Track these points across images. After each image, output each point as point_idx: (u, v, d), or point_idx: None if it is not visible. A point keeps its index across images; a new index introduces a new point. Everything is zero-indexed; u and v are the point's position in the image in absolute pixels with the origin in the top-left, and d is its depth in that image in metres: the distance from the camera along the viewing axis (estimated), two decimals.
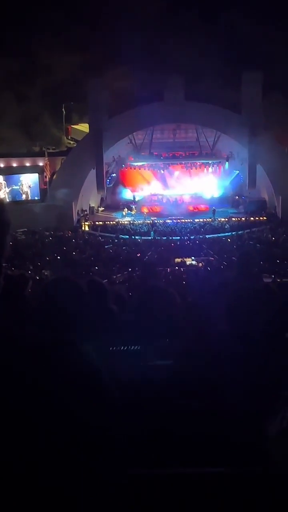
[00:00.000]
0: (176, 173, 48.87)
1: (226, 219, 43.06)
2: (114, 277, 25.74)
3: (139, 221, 43.41)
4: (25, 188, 44.22)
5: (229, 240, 38.26)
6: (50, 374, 1.55)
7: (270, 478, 1.63)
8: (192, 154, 48.41)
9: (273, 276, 24.10)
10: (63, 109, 49.82)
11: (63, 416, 1.52)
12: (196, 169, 48.51)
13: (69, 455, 1.52)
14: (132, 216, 44.94)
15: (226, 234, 40.05)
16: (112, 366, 3.08)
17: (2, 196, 42.51)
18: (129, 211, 45.50)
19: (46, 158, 44.34)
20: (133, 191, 48.18)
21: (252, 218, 43.06)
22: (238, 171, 47.11)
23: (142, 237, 39.34)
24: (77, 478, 1.54)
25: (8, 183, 44.06)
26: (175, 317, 4.37)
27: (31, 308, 3.39)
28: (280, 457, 1.93)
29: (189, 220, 43.40)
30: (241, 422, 2.38)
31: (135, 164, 48.18)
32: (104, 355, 3.31)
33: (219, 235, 39.79)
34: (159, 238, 38.48)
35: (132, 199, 47.76)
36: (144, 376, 2.98)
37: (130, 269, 29.53)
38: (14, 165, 45.40)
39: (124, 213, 45.33)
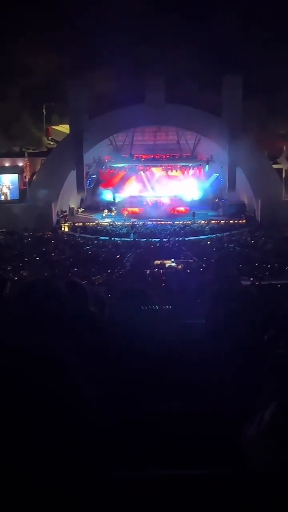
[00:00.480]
0: (157, 175, 48.92)
1: (206, 222, 43.21)
2: (94, 278, 25.70)
3: (119, 223, 43.38)
4: (5, 189, 43.93)
5: (208, 242, 38.38)
6: (27, 376, 1.55)
7: (247, 478, 1.65)
8: (172, 157, 48.52)
9: (251, 279, 24.28)
10: (43, 110, 49.63)
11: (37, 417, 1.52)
12: (176, 171, 48.63)
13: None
14: (112, 217, 44.89)
15: (206, 236, 40.17)
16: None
17: None
18: (109, 213, 45.45)
19: (26, 159, 44.15)
20: (113, 192, 48.16)
21: (231, 221, 43.25)
22: (217, 174, 47.26)
23: (122, 239, 39.32)
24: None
25: None
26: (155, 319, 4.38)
27: (8, 309, 3.37)
28: (257, 458, 1.95)
29: (169, 222, 43.47)
30: (220, 423, 2.39)
31: (115, 165, 48.16)
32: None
33: (198, 237, 39.91)
34: (139, 239, 38.48)
35: (112, 200, 47.73)
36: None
37: (109, 271, 29.53)
38: None
39: (104, 214, 45.27)
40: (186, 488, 1.60)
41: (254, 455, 1.98)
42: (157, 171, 48.75)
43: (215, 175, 47.67)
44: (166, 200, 48.20)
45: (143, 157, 48.13)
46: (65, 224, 43.12)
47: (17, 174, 44.07)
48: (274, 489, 1.63)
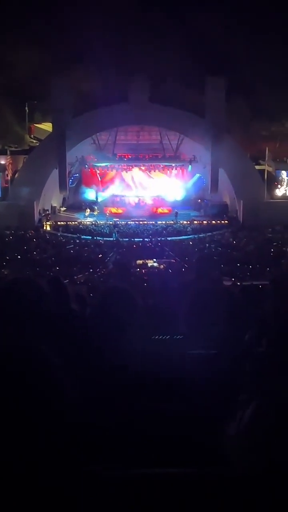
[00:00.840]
0: (139, 175, 48.90)
1: (188, 222, 43.35)
2: (75, 277, 25.65)
3: (101, 222, 43.34)
4: None
5: (190, 243, 38.49)
6: (11, 375, 1.54)
7: (229, 479, 1.65)
8: (155, 157, 48.58)
9: (233, 279, 24.37)
10: (26, 108, 49.38)
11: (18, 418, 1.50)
12: (159, 171, 48.68)
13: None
14: (94, 216, 44.82)
15: (188, 236, 40.29)
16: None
17: None
18: (91, 212, 45.36)
19: (8, 157, 43.95)
20: (96, 192, 48.10)
21: (213, 222, 43.40)
22: (200, 174, 47.38)
23: (104, 238, 39.29)
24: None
25: None
26: (135, 318, 4.36)
27: None
28: (238, 458, 1.95)
29: (151, 222, 43.53)
30: (200, 423, 2.39)
31: (98, 164, 48.10)
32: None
33: (181, 237, 40.02)
34: (121, 239, 38.49)
35: (95, 199, 47.65)
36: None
37: (91, 270, 29.49)
38: None
39: (86, 213, 45.17)
40: (178, 486, 1.60)
41: (234, 455, 1.98)
42: (140, 172, 48.71)
43: (198, 175, 47.78)
44: (148, 200, 48.23)
45: (126, 156, 48.15)
46: (47, 223, 42.95)
47: None
48: (256, 489, 1.63)
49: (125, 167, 48.43)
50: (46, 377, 1.60)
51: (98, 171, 48.30)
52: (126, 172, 48.60)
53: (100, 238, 39.41)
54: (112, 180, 48.75)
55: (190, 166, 47.70)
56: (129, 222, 43.40)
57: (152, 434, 2.34)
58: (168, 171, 48.53)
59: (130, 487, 1.58)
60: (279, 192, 44.72)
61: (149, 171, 48.62)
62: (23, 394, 1.51)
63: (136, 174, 48.67)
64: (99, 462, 1.64)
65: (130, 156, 48.19)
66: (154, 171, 48.59)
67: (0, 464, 1.46)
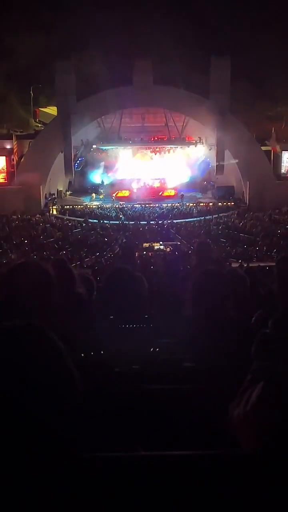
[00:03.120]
0: (145, 157, 48.73)
1: (194, 204, 43.24)
2: (82, 261, 25.72)
3: (107, 206, 43.30)
4: None
5: (197, 225, 38.43)
6: (15, 360, 1.54)
7: (236, 459, 1.65)
8: (160, 139, 48.36)
9: (240, 261, 24.39)
10: (31, 92, 49.17)
11: (29, 403, 1.50)
12: (164, 153, 48.48)
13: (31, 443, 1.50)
14: (100, 200, 44.80)
15: (194, 219, 40.21)
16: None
17: None
18: (97, 196, 45.33)
19: (14, 141, 43.81)
20: (101, 175, 48.02)
21: (220, 204, 43.29)
22: (205, 156, 47.18)
23: (110, 222, 39.27)
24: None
25: None
26: (143, 300, 4.38)
27: None
28: (244, 438, 1.96)
29: (157, 205, 43.45)
30: (207, 403, 2.40)
31: (104, 148, 47.94)
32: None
33: (187, 220, 39.94)
34: (127, 222, 38.47)
35: (101, 183, 47.57)
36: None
37: (98, 254, 29.54)
38: None
39: (92, 197, 45.13)
40: (176, 469, 1.60)
41: (240, 436, 1.98)
42: (145, 154, 48.54)
43: (202, 157, 47.58)
44: (154, 183, 48.12)
45: (132, 139, 47.95)
46: (54, 207, 42.94)
47: (4, 157, 43.72)
48: (262, 470, 1.63)
49: (131, 150, 48.25)
50: (53, 362, 1.61)
51: (103, 154, 48.15)
52: (132, 154, 48.43)
53: (106, 221, 39.39)
54: (117, 163, 48.61)
55: (195, 147, 47.43)
56: (135, 205, 43.35)
57: (155, 416, 2.35)
58: (174, 153, 48.32)
59: (122, 467, 1.58)
60: (285, 173, 44.46)
61: (155, 153, 48.43)
62: (27, 378, 1.52)
63: (142, 156, 48.50)
64: (89, 444, 1.64)
65: (135, 139, 47.96)
66: (160, 153, 48.38)
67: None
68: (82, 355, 2.91)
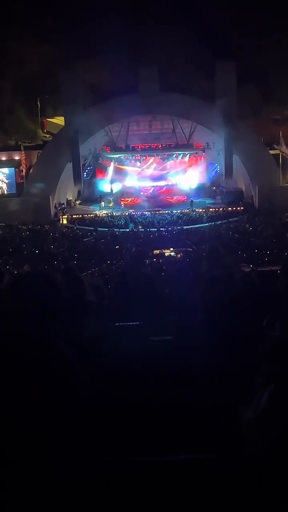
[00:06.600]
0: (153, 165, 48.85)
1: (204, 210, 43.22)
2: (93, 270, 25.69)
3: (117, 213, 43.37)
4: (1, 184, 43.96)
5: (207, 230, 38.36)
6: (21, 368, 1.54)
7: (244, 463, 1.64)
8: (168, 146, 48.43)
9: (251, 266, 24.27)
10: (38, 103, 49.42)
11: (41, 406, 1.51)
12: (173, 160, 48.59)
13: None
14: (109, 208, 44.88)
15: (204, 224, 40.17)
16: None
17: None
18: (106, 204, 45.43)
19: (22, 152, 44.01)
20: (110, 183, 48.19)
21: (229, 208, 43.24)
22: (218, 166, 47.19)
23: (121, 230, 39.32)
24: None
25: None
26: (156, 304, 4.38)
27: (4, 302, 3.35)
28: (254, 442, 1.94)
29: (167, 212, 43.45)
30: (216, 408, 2.39)
31: (112, 156, 48.09)
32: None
33: (197, 225, 39.92)
34: (137, 230, 38.49)
35: (110, 191, 47.69)
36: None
37: (108, 262, 29.52)
38: None
39: (101, 205, 45.24)
40: (183, 474, 1.59)
41: (251, 438, 1.97)
42: (154, 161, 48.69)
43: (215, 164, 47.65)
44: (163, 190, 48.23)
45: (139, 147, 48.04)
46: (63, 216, 43.06)
47: (13, 168, 43.96)
48: (271, 474, 1.62)
49: (139, 157, 48.39)
50: (60, 371, 1.61)
51: (112, 163, 48.33)
52: (140, 162, 48.56)
53: (116, 229, 39.43)
54: (126, 171, 48.76)
55: (203, 153, 47.51)
56: (144, 212, 43.38)
57: (163, 418, 2.34)
58: (182, 160, 48.42)
59: (129, 472, 1.58)
60: None
61: (163, 161, 48.55)
62: (36, 387, 1.52)
63: (151, 164, 48.64)
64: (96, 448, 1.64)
65: (143, 146, 48.06)
66: (168, 160, 48.50)
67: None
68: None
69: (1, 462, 1.47)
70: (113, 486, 1.52)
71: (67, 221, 42.82)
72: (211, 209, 43.39)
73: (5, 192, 43.97)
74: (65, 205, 45.01)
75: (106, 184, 48.17)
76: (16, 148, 45.04)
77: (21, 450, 1.48)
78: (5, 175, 43.96)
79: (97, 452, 1.63)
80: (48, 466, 1.48)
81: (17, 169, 43.93)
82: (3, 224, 39.18)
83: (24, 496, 1.43)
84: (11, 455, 1.48)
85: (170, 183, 48.55)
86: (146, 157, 48.48)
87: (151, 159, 48.64)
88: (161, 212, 43.54)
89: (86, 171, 47.13)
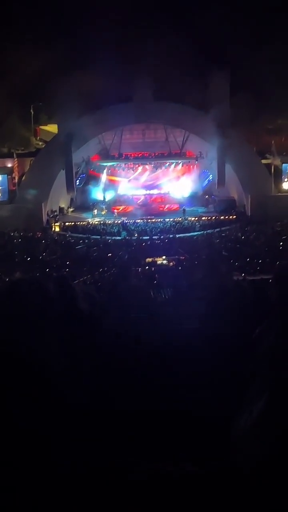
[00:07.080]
0: (146, 173, 48.99)
1: (196, 218, 43.30)
2: (85, 277, 25.69)
3: (109, 221, 43.38)
4: None
5: (199, 239, 38.45)
6: (19, 370, 1.53)
7: (235, 472, 1.63)
8: (161, 154, 48.59)
9: (243, 274, 24.33)
10: (31, 110, 49.48)
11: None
12: (165, 169, 48.75)
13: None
14: (102, 216, 44.90)
15: (197, 233, 40.25)
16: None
17: None
18: (99, 212, 45.45)
19: (15, 159, 44.01)
20: (103, 191, 48.28)
21: (222, 217, 43.34)
22: (211, 175, 47.34)
23: (113, 237, 39.34)
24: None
25: None
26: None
27: None
28: (247, 449, 1.93)
29: (159, 220, 43.51)
30: (209, 417, 2.38)
31: (105, 164, 48.19)
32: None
33: (189, 234, 39.98)
34: (129, 238, 38.51)
35: (102, 199, 47.77)
36: None
37: (101, 269, 29.52)
38: None
39: (94, 213, 45.26)
40: (183, 474, 1.59)
41: (244, 447, 1.96)
42: (147, 169, 48.84)
43: (209, 174, 47.80)
44: (156, 198, 48.36)
45: (132, 155, 48.17)
46: (56, 224, 43.02)
47: (6, 175, 43.91)
48: (267, 481, 1.61)
49: (132, 166, 48.52)
50: (46, 380, 1.60)
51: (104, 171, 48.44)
52: (133, 170, 48.69)
53: (109, 237, 39.45)
54: (119, 179, 48.88)
55: (196, 162, 47.68)
56: (137, 221, 43.43)
57: (162, 419, 2.33)
58: (175, 169, 48.58)
59: (125, 478, 1.57)
60: (286, 185, 44.54)
61: (155, 169, 48.70)
62: (36, 387, 1.52)
63: (144, 172, 48.76)
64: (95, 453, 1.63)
65: (136, 155, 48.20)
66: (161, 169, 48.65)
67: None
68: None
69: (1, 462, 1.47)
70: (113, 486, 1.51)
71: (59, 228, 42.77)
72: (203, 218, 43.49)
73: None
74: (58, 213, 44.98)
75: (99, 192, 48.23)
76: (9, 155, 45.04)
77: (21, 450, 1.48)
78: None
79: (97, 452, 1.62)
80: (48, 466, 1.48)
81: (9, 176, 43.88)
82: None
83: (24, 496, 1.42)
84: (11, 455, 1.47)
85: (162, 191, 48.67)
86: (138, 166, 48.60)
87: (144, 168, 48.76)
88: (153, 220, 43.59)
89: (79, 179, 47.17)
